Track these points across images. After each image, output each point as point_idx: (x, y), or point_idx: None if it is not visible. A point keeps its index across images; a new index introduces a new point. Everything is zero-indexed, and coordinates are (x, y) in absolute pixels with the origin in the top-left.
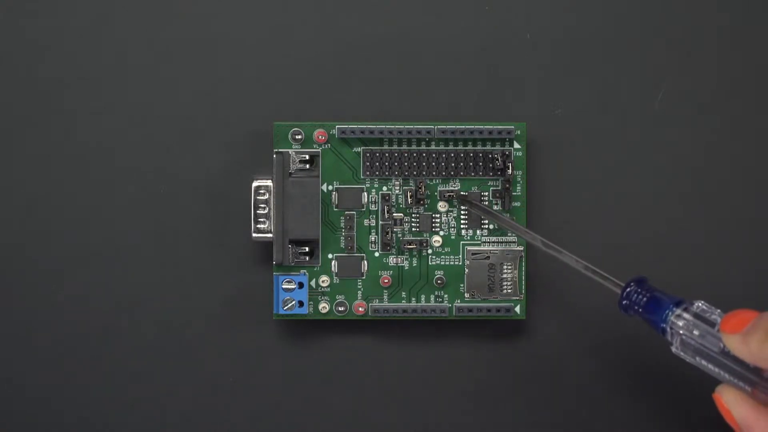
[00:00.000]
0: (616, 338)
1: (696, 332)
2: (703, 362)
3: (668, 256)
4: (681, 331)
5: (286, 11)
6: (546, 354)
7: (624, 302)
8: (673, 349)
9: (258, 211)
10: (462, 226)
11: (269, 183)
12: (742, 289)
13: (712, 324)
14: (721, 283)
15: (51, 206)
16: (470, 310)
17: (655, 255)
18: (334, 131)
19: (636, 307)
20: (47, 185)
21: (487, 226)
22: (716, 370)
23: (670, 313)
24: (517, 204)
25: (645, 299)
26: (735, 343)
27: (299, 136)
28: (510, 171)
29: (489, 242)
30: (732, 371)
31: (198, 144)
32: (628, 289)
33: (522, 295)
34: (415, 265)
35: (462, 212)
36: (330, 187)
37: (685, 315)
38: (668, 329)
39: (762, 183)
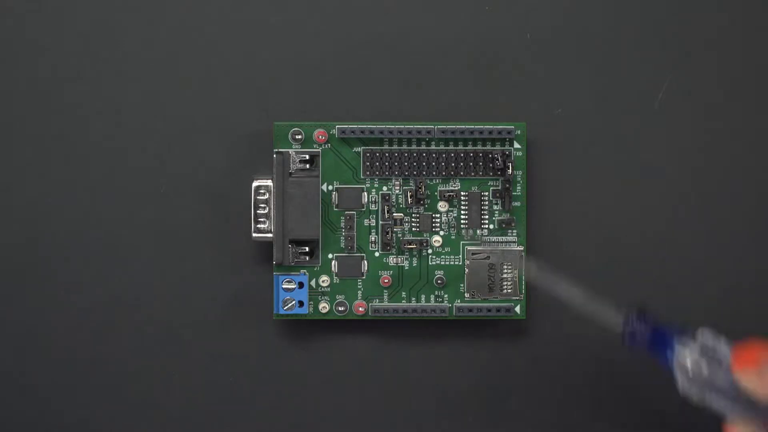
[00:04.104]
0: (616, 338)
1: (705, 370)
2: (713, 397)
3: (668, 256)
4: (689, 366)
5: (286, 11)
6: (546, 354)
7: (627, 334)
8: (680, 388)
9: (258, 211)
10: (462, 226)
11: (269, 183)
12: (742, 289)
13: (720, 359)
14: (721, 283)
15: (51, 206)
16: (470, 310)
17: (655, 255)
18: (334, 131)
19: (639, 338)
20: (47, 185)
21: (487, 226)
22: (727, 405)
23: (673, 345)
24: (517, 204)
25: (649, 331)
26: (751, 380)
27: (299, 136)
28: (510, 171)
29: (489, 242)
30: (744, 406)
31: (198, 144)
32: (631, 321)
33: (522, 295)
34: (415, 265)
35: (462, 212)
36: (330, 187)
37: (691, 351)
38: (674, 360)
39: (762, 183)
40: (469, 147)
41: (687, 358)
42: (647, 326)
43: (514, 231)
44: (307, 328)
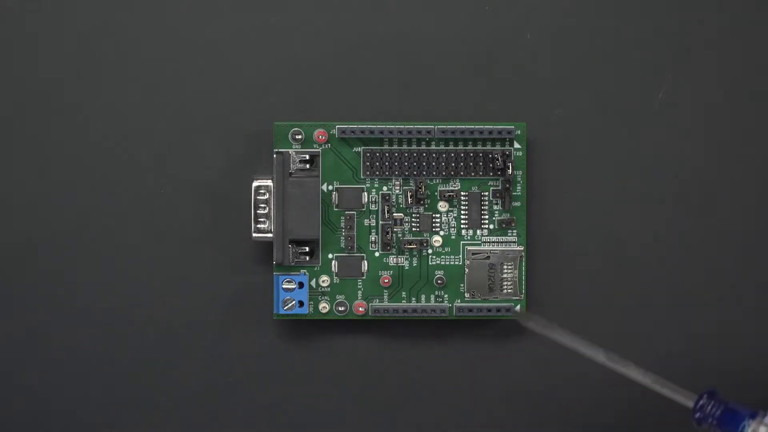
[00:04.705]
0: (616, 338)
1: None
2: None
3: (668, 257)
4: None
5: (286, 11)
6: (546, 354)
7: (697, 415)
8: None
9: (258, 211)
10: (462, 226)
11: (269, 183)
12: (742, 289)
13: None
14: (721, 284)
15: (51, 206)
16: (470, 310)
17: (655, 255)
18: (334, 131)
19: (710, 420)
20: (47, 185)
21: (487, 226)
22: None
23: (746, 426)
24: (517, 204)
25: (719, 412)
26: None
27: (299, 136)
28: (510, 171)
29: (489, 242)
30: None
31: (198, 144)
32: (701, 402)
33: (522, 295)
34: (415, 265)
35: (462, 212)
36: (330, 187)
37: (761, 429)
38: None
39: (762, 183)
40: (469, 147)
41: None
42: (718, 408)
43: (514, 231)
44: (307, 328)
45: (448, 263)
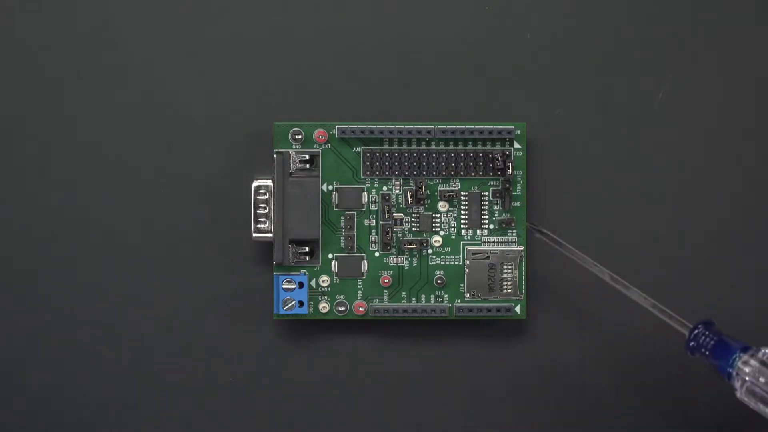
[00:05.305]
0: (616, 338)
1: (762, 379)
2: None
3: (668, 256)
4: (747, 378)
5: (286, 11)
6: (546, 354)
7: (691, 344)
8: (738, 395)
9: (258, 211)
10: (462, 226)
11: (269, 183)
12: (741, 289)
13: None
14: (721, 283)
15: (51, 206)
16: (470, 310)
17: (654, 255)
18: (334, 131)
19: (703, 350)
20: (47, 185)
21: (487, 226)
22: None
23: (737, 359)
24: (517, 204)
25: (712, 342)
26: None
27: (299, 136)
28: (510, 171)
29: (489, 242)
30: None
31: (198, 144)
32: (696, 331)
33: (522, 295)
34: (415, 265)
35: (462, 212)
36: (330, 187)
37: (752, 362)
38: (734, 374)
39: (762, 183)
40: (469, 147)
41: (747, 367)
42: (712, 339)
43: (514, 231)
44: (307, 328)
45: (448, 263)
